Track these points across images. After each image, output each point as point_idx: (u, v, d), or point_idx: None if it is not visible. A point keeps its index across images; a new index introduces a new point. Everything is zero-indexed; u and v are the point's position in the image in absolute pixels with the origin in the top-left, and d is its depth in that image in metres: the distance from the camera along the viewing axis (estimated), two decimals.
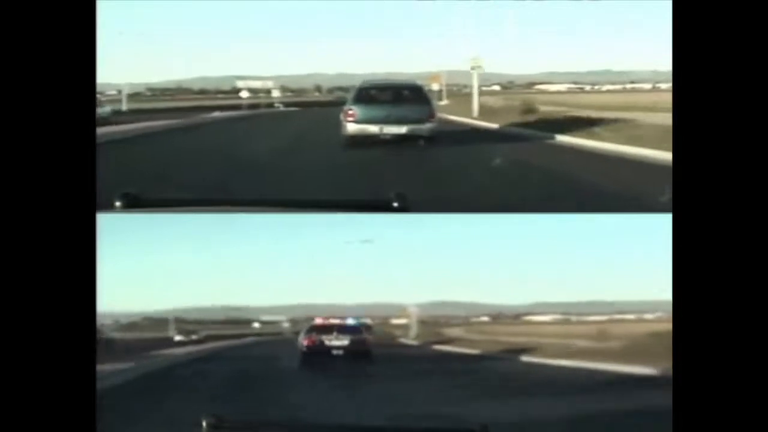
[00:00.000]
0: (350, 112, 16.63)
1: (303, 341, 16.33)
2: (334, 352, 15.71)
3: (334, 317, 17.78)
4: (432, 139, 16.49)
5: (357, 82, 18.79)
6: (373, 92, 17.40)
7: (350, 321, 17.63)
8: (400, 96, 17.38)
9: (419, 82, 19.58)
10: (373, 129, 16.32)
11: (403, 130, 16.22)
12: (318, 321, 17.38)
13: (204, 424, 2.87)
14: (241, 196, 9.70)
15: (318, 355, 15.47)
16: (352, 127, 16.53)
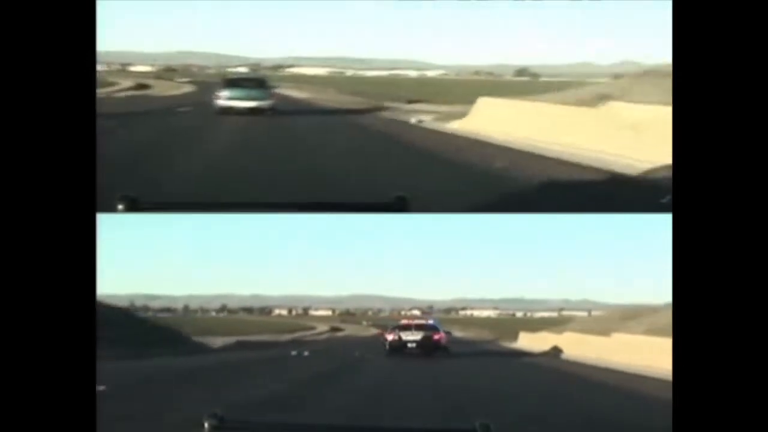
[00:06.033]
0: (222, 93, 27.29)
1: (388, 336, 22.45)
2: (409, 345, 21.42)
3: (414, 317, 25.06)
4: (272, 110, 27.36)
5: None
6: (235, 81, 29.10)
7: (429, 321, 24.26)
8: (252, 83, 28.88)
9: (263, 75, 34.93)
10: (234, 103, 26.76)
11: (253, 104, 26.91)
12: (403, 321, 23.92)
13: (206, 424, 2.87)
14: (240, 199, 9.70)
15: (397, 347, 21.45)
16: (222, 103, 26.97)
